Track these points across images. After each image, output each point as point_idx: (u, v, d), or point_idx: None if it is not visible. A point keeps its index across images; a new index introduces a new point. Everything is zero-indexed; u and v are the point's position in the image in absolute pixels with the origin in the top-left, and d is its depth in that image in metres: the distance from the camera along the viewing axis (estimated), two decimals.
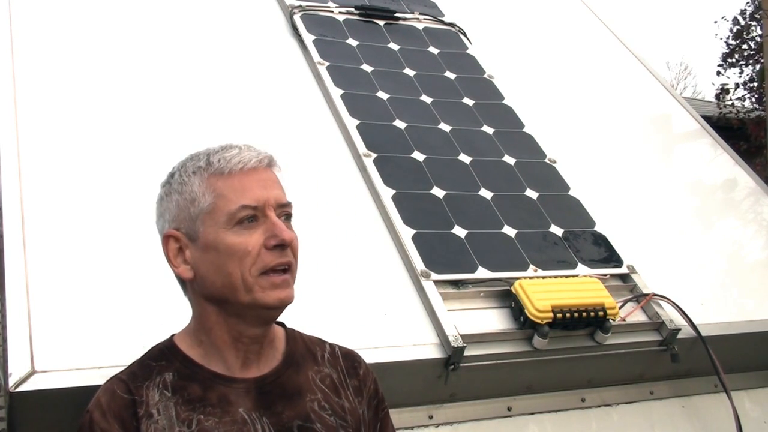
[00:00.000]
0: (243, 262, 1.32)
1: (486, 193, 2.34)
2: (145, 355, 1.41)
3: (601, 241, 2.31)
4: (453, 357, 1.85)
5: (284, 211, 1.38)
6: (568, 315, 1.94)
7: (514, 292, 2.00)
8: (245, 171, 1.37)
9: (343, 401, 1.44)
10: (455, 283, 2.03)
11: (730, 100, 10.10)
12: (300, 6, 2.90)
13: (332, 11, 2.97)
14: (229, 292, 1.34)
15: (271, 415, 1.36)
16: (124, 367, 1.39)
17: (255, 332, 1.38)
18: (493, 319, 2.00)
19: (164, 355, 1.39)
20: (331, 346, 1.54)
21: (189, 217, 1.36)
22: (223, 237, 1.33)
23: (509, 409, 2.02)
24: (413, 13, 3.15)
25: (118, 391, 1.32)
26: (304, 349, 1.49)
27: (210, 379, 1.36)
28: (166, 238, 1.39)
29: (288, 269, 1.36)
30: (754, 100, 10.22)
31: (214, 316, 1.38)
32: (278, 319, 1.46)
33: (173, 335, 1.44)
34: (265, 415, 1.36)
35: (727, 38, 10.39)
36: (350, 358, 1.53)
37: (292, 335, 1.51)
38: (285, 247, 1.34)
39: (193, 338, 1.40)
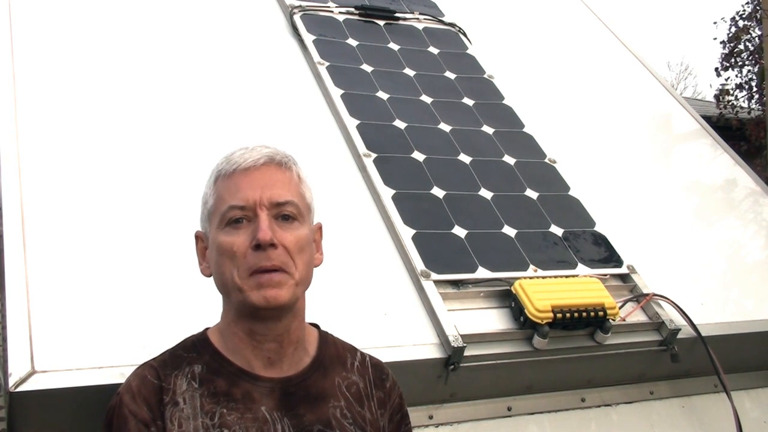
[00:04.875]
0: (232, 262, 1.34)
1: (486, 193, 2.34)
2: (178, 345, 1.43)
3: (601, 241, 2.31)
4: (453, 357, 1.85)
5: (281, 210, 1.36)
6: (568, 315, 1.94)
7: (514, 292, 2.01)
8: (242, 171, 1.38)
9: (365, 411, 1.45)
10: (455, 283, 2.03)
11: (730, 101, 10.09)
12: (300, 6, 2.90)
13: (332, 11, 2.97)
14: (226, 290, 1.38)
15: (292, 417, 1.37)
16: (157, 355, 1.42)
17: (263, 330, 1.37)
18: (493, 319, 2.00)
19: (195, 347, 1.41)
20: (362, 354, 1.54)
21: (204, 218, 1.43)
22: (217, 237, 1.37)
23: (509, 409, 2.02)
24: (413, 13, 3.15)
25: (149, 376, 1.36)
26: (335, 354, 1.50)
27: (236, 374, 1.38)
28: (195, 238, 1.46)
29: (280, 270, 1.33)
30: (754, 100, 10.21)
31: (230, 314, 1.40)
32: (314, 321, 1.50)
33: (207, 329, 1.46)
34: (287, 416, 1.37)
35: (727, 39, 10.37)
36: (379, 369, 1.54)
37: (324, 339, 1.51)
38: (264, 247, 1.31)
39: (221, 333, 1.43)
